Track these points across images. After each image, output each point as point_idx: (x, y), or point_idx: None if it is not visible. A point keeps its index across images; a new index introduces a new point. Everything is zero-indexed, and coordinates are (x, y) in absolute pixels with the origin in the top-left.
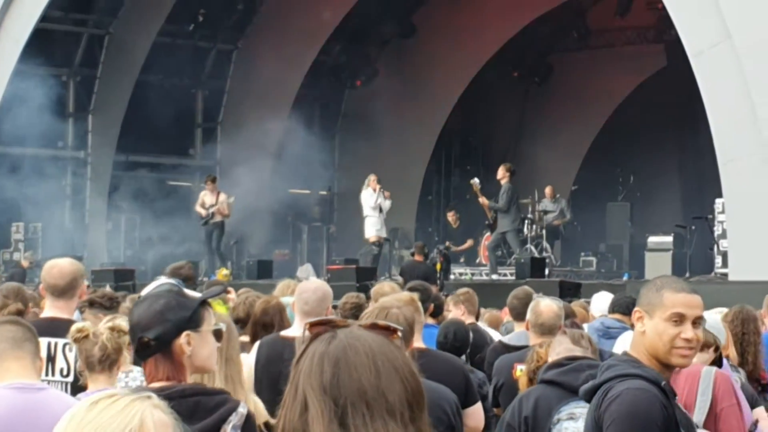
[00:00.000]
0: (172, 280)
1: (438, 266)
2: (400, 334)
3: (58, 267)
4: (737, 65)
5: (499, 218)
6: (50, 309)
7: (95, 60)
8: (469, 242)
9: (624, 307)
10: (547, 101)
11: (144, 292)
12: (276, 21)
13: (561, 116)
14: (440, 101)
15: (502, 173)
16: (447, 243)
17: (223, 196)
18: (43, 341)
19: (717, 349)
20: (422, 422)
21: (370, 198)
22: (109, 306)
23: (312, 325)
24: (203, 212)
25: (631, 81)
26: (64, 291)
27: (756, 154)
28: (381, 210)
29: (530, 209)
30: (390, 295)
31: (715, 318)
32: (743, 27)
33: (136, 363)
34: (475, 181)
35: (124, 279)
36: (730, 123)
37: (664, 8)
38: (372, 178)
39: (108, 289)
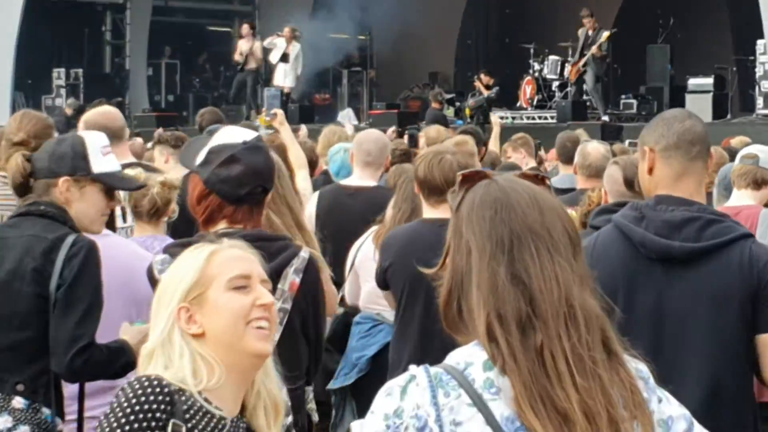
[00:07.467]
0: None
1: (468, 111)
2: (548, 182)
3: None
4: None
5: (596, 63)
6: None
7: None
8: (492, 90)
9: None
10: None
11: (229, 137)
12: None
13: None
14: None
15: (591, 19)
16: (480, 74)
17: (258, 43)
18: None
19: None
20: (582, 262)
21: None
22: (174, 145)
23: (464, 176)
24: (238, 58)
25: None
26: None
27: None
28: (287, 59)
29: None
30: (445, 141)
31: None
32: None
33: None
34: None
35: (167, 124)
36: None
37: None
38: (287, 28)
39: (177, 131)
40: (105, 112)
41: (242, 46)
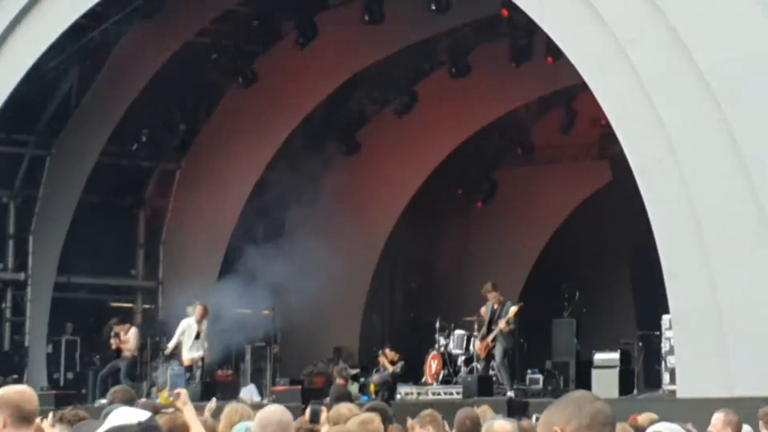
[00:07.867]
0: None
1: (372, 387)
2: None
3: None
4: (682, 181)
5: (504, 338)
6: None
7: (37, 181)
8: (397, 366)
9: None
10: (491, 217)
11: (124, 419)
12: (219, 141)
13: (506, 232)
14: (383, 218)
15: (495, 293)
16: (385, 349)
17: (132, 331)
18: None
19: None
20: None
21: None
22: (75, 424)
23: None
24: (113, 345)
25: (577, 196)
26: None
27: (701, 270)
28: (200, 335)
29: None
30: (350, 420)
31: (675, 428)
32: (687, 143)
33: None
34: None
35: (66, 403)
36: (675, 238)
37: (607, 124)
38: (200, 308)
39: (80, 411)
40: (22, 391)
41: (121, 334)
